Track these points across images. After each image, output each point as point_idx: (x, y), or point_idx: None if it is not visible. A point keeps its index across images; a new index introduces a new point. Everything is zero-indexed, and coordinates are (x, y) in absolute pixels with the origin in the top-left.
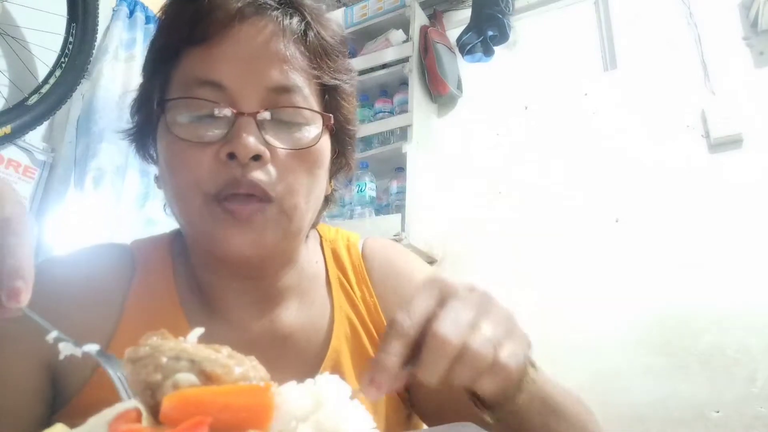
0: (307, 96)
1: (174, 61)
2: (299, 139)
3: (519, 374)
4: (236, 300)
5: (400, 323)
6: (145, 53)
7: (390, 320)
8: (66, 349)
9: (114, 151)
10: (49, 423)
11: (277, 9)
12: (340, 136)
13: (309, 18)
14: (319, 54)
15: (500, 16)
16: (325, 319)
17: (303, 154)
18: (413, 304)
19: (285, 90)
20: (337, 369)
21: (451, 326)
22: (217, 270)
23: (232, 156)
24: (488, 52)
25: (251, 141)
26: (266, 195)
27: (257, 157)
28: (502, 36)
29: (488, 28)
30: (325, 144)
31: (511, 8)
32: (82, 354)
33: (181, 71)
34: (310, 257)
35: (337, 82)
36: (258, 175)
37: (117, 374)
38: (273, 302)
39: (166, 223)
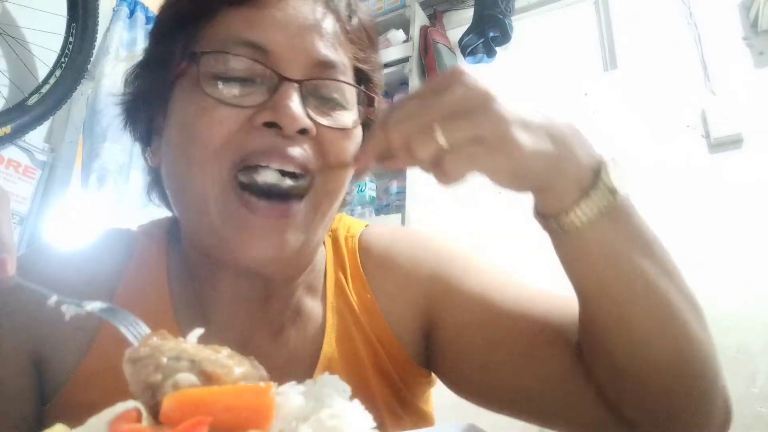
0: (350, 79)
1: (204, 21)
2: (339, 120)
3: (543, 161)
4: (231, 297)
5: (385, 116)
6: (157, 16)
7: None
8: (69, 310)
9: (117, 150)
10: (40, 419)
11: None
12: (367, 131)
13: (353, 5)
14: (361, 40)
15: (501, 16)
16: (318, 321)
17: (343, 137)
18: (403, 99)
19: (331, 65)
20: None
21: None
22: (215, 264)
23: (270, 125)
24: (490, 53)
25: (299, 111)
26: (307, 170)
27: (303, 131)
28: (504, 36)
29: (490, 29)
30: (360, 134)
31: (511, 9)
32: (86, 312)
33: (216, 30)
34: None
35: (374, 73)
36: (303, 151)
37: (124, 325)
38: (275, 299)
39: None
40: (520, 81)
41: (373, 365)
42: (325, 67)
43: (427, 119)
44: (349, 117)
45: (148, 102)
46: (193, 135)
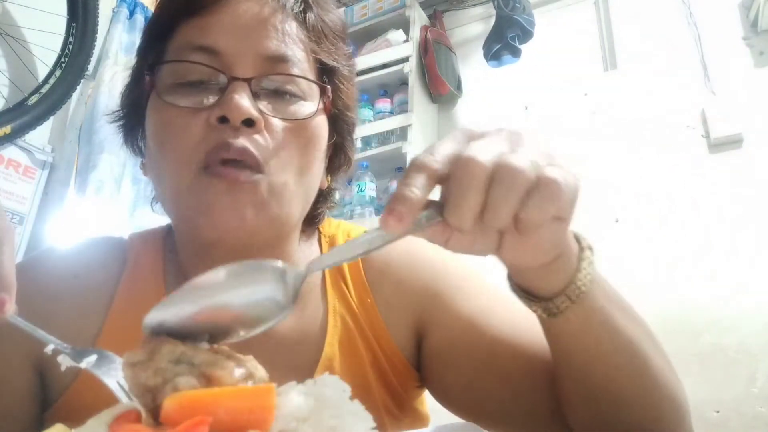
0: (305, 71)
1: (169, 35)
2: (294, 112)
3: (571, 205)
4: None
5: (422, 157)
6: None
7: (412, 159)
8: (65, 361)
9: (114, 162)
10: (41, 421)
11: None
12: (338, 122)
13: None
14: (318, 33)
15: (516, 16)
16: (319, 322)
17: (298, 128)
18: (436, 144)
19: (282, 59)
20: None
21: (480, 149)
22: (202, 259)
23: (223, 120)
24: (515, 53)
25: (244, 102)
26: (257, 164)
27: (250, 123)
28: (525, 34)
29: (507, 30)
30: (322, 124)
31: (522, 5)
32: (83, 367)
33: (175, 40)
34: (306, 255)
35: (336, 64)
36: (250, 141)
37: (116, 382)
38: None
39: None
40: (520, 81)
41: (372, 367)
42: (276, 61)
43: (537, 172)
44: (306, 108)
45: (136, 117)
46: (162, 142)
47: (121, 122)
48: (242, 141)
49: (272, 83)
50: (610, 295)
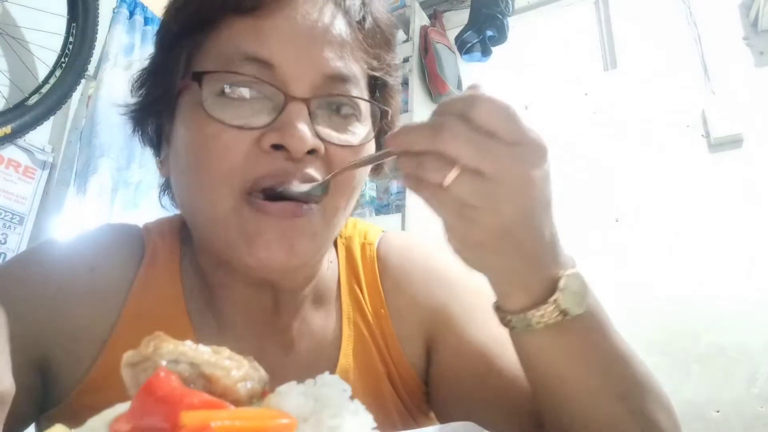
0: (362, 88)
1: (209, 30)
2: (352, 134)
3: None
4: (243, 305)
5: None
6: (162, 21)
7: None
8: None
9: (114, 167)
10: (39, 422)
11: None
12: (381, 136)
13: (366, 3)
14: (376, 44)
15: (500, 16)
16: (332, 329)
17: (355, 152)
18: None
19: (342, 79)
20: None
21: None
22: (230, 274)
23: (278, 147)
24: (486, 52)
25: (307, 132)
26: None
27: (312, 152)
28: (501, 37)
29: (488, 28)
30: (372, 146)
31: (510, 9)
32: None
33: (220, 42)
34: (326, 258)
35: (389, 78)
36: (313, 171)
37: None
38: (284, 309)
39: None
40: (520, 81)
41: (387, 379)
42: (335, 80)
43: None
44: (360, 129)
45: (155, 111)
46: (199, 160)
47: (133, 114)
48: (307, 172)
49: (331, 104)
50: (579, 353)
